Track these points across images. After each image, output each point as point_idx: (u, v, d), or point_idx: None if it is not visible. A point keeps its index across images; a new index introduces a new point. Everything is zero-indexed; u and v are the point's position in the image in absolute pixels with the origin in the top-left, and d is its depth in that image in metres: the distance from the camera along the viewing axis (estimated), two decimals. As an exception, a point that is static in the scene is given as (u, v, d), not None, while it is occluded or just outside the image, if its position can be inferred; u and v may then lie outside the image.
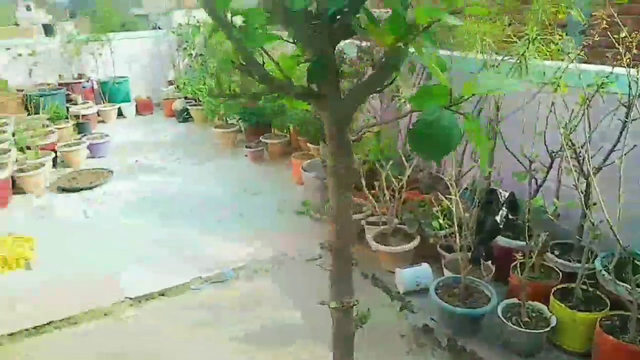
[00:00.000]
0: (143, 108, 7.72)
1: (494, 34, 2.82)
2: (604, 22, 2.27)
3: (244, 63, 0.80)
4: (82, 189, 4.67)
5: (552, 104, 2.44)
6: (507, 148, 2.71)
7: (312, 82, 0.84)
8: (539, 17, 2.58)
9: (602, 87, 2.23)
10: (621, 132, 2.32)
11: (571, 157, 2.35)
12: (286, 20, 0.74)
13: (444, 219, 2.69)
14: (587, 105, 2.25)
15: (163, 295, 2.98)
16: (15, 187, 4.52)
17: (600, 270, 2.28)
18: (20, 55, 6.23)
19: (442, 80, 0.69)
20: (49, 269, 3.27)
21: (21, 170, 4.52)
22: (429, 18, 0.59)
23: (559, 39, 2.54)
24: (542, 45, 2.54)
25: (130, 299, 2.92)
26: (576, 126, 2.39)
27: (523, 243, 2.45)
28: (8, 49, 6.23)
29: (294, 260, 3.31)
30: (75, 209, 4.29)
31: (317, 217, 3.40)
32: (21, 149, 4.71)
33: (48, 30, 7.57)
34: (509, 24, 2.91)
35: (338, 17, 0.70)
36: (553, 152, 2.62)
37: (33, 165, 4.63)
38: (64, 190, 4.68)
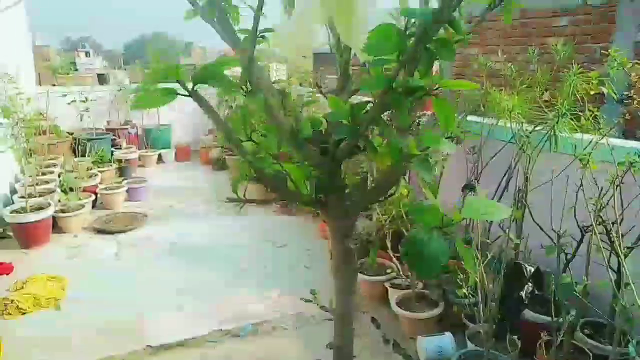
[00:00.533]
0: (182, 154, 8.04)
1: (525, 106, 2.86)
2: (635, 100, 2.28)
3: (257, 176, 0.87)
4: (116, 232, 4.84)
5: (581, 181, 2.41)
6: (534, 220, 2.67)
7: (318, 194, 0.89)
8: (570, 91, 2.61)
9: (634, 166, 2.20)
10: (655, 211, 2.26)
11: (601, 234, 2.30)
12: (296, 144, 0.81)
13: (468, 288, 2.63)
14: (616, 185, 2.22)
15: (182, 345, 3.00)
16: (55, 226, 4.73)
17: (634, 357, 2.15)
18: (74, 101, 6.69)
19: (434, 202, 0.72)
20: (75, 310, 3.36)
21: (62, 211, 4.75)
22: (420, 148, 0.63)
23: (590, 115, 2.55)
24: (573, 120, 2.55)
25: (150, 347, 2.95)
26: (607, 203, 2.35)
27: (550, 319, 2.36)
28: (65, 95, 6.72)
29: (314, 319, 3.28)
30: (107, 251, 4.44)
31: (325, 308, 3.36)
32: (65, 190, 4.96)
33: (102, 79, 8.13)
34: (542, 93, 2.95)
35: (344, 139, 0.77)
36: (584, 226, 2.56)
37: (74, 206, 4.85)
38: (99, 231, 4.86)
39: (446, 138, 0.64)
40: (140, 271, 4.02)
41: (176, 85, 0.99)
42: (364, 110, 0.70)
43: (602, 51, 5.51)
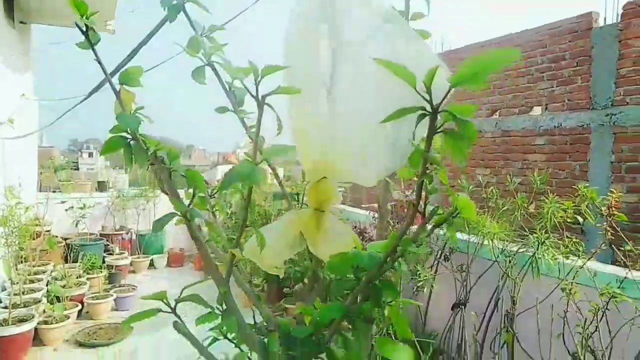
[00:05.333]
0: (174, 260, 7.99)
1: (506, 230, 2.97)
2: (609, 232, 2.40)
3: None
4: (99, 345, 4.67)
5: (567, 307, 2.45)
6: (523, 349, 2.65)
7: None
8: (547, 219, 2.74)
9: (615, 298, 2.25)
10: (643, 341, 2.27)
11: (592, 365, 2.28)
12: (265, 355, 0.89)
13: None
14: (600, 317, 2.25)
15: None
16: (36, 337, 4.57)
17: None
18: (72, 207, 6.82)
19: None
20: None
21: (45, 322, 4.62)
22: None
23: (569, 242, 2.65)
24: (552, 248, 2.65)
25: None
26: (594, 332, 2.36)
27: None
28: (64, 202, 6.87)
29: None
30: (88, 367, 4.25)
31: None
32: (51, 301, 4.86)
33: (102, 186, 8.36)
34: (522, 217, 3.08)
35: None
36: (575, 353, 2.53)
37: (58, 317, 4.73)
38: (81, 344, 4.69)
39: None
40: (119, 392, 3.82)
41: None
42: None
43: (581, 169, 5.82)
